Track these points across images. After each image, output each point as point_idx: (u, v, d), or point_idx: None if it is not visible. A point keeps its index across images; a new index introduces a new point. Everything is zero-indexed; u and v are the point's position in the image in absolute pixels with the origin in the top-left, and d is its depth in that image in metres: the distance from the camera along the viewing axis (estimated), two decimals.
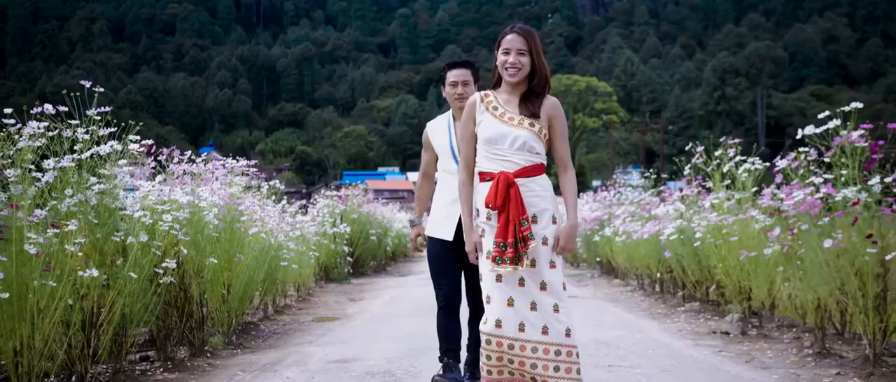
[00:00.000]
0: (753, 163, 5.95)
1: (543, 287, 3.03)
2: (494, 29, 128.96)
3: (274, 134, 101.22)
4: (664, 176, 12.23)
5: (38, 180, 3.57)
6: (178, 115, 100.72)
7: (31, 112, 3.65)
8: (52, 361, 3.50)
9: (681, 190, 7.66)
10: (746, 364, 4.56)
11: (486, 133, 3.13)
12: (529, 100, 3.13)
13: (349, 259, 12.11)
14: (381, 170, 76.96)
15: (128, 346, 4.42)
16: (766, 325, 5.85)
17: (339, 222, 11.72)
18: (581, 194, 19.23)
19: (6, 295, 3.09)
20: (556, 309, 3.02)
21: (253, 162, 6.33)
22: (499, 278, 3.05)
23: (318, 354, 5.18)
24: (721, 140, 6.40)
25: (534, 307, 3.01)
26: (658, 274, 8.54)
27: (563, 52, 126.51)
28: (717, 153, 6.29)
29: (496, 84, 3.22)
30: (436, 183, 3.98)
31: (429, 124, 4.01)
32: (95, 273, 3.61)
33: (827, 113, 4.17)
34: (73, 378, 3.89)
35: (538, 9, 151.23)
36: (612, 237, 10.47)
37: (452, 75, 3.81)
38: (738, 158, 6.10)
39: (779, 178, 5.06)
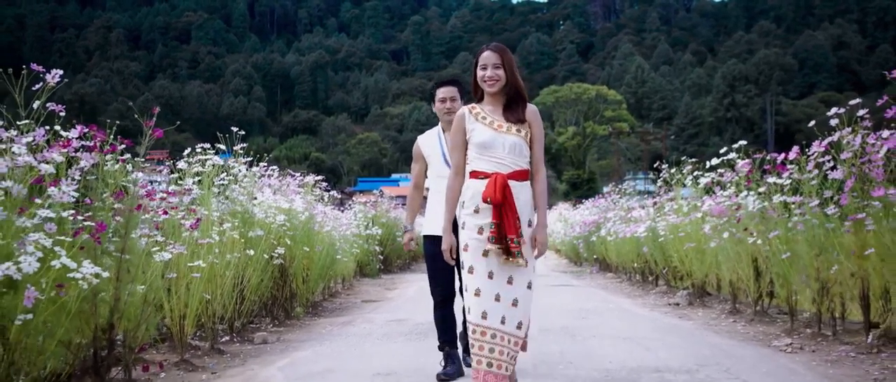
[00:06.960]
0: (706, 177, 7.89)
1: (510, 281, 3.22)
2: (506, 36, 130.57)
3: (288, 140, 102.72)
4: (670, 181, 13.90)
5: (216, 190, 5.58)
6: (193, 122, 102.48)
7: (200, 148, 5.67)
8: (225, 310, 5.51)
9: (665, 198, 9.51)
10: (679, 319, 6.56)
11: (480, 138, 3.30)
12: (512, 109, 3.35)
13: (379, 257, 14.06)
14: (394, 176, 77.98)
15: (249, 309, 6.44)
16: (710, 301, 7.79)
17: (371, 225, 13.66)
18: (585, 199, 21.09)
19: (204, 265, 5.08)
20: (514, 303, 3.21)
21: (320, 176, 8.40)
22: (491, 275, 3.21)
23: (378, 317, 7.19)
24: (682, 159, 8.36)
25: (498, 298, 3.20)
26: (636, 266, 10.49)
27: (575, 59, 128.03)
28: (673, 169, 8.25)
29: (480, 98, 3.44)
30: (427, 189, 4.39)
31: (419, 138, 4.38)
32: (251, 252, 5.63)
33: (725, 148, 6.14)
34: (225, 327, 5.91)
35: (550, 16, 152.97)
36: (606, 237, 12.40)
37: (442, 92, 4.22)
38: (696, 173, 8.06)
39: (718, 189, 7.01)
